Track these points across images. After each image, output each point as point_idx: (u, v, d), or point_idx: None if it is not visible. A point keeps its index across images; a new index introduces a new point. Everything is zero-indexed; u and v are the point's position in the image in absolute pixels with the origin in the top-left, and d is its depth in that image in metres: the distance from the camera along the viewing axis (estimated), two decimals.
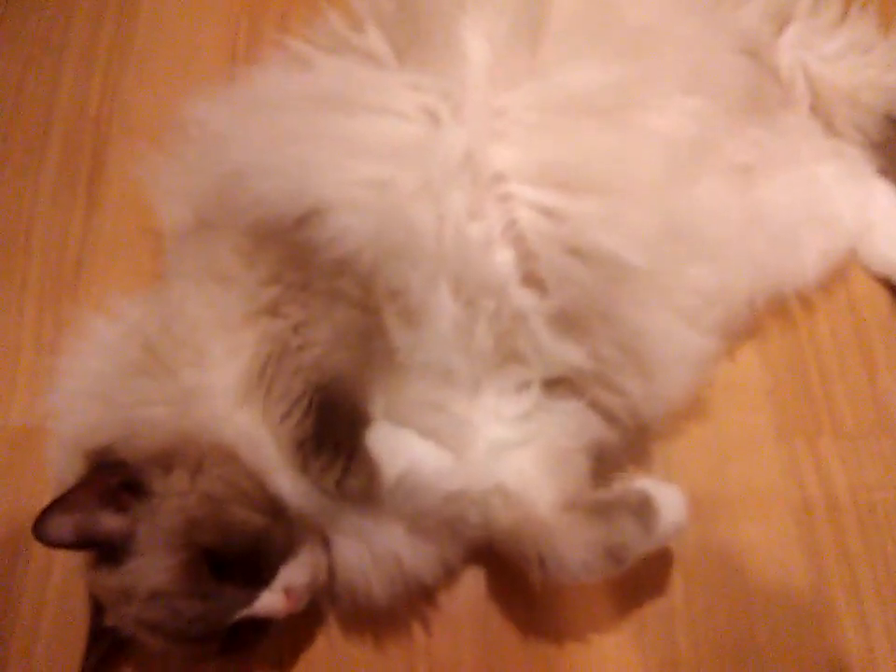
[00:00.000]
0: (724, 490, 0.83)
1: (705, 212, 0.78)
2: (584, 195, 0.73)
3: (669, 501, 0.70)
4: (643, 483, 0.72)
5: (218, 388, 0.69)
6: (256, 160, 0.74)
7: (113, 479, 0.67)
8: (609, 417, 0.76)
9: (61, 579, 0.82)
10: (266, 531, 0.68)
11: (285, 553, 0.69)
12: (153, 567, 0.66)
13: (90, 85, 1.10)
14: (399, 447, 0.70)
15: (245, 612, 0.67)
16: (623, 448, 0.79)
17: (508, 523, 0.71)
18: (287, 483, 0.69)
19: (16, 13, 1.15)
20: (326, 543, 0.72)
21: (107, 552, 0.68)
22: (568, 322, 0.74)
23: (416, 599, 0.78)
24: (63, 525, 0.65)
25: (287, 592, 0.68)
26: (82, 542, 0.67)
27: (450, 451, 0.72)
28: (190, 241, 0.78)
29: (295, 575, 0.69)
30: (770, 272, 0.83)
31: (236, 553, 0.67)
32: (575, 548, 0.69)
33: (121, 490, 0.68)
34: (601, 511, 0.70)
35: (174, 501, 0.67)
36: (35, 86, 1.11)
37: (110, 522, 0.67)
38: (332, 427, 0.69)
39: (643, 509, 0.70)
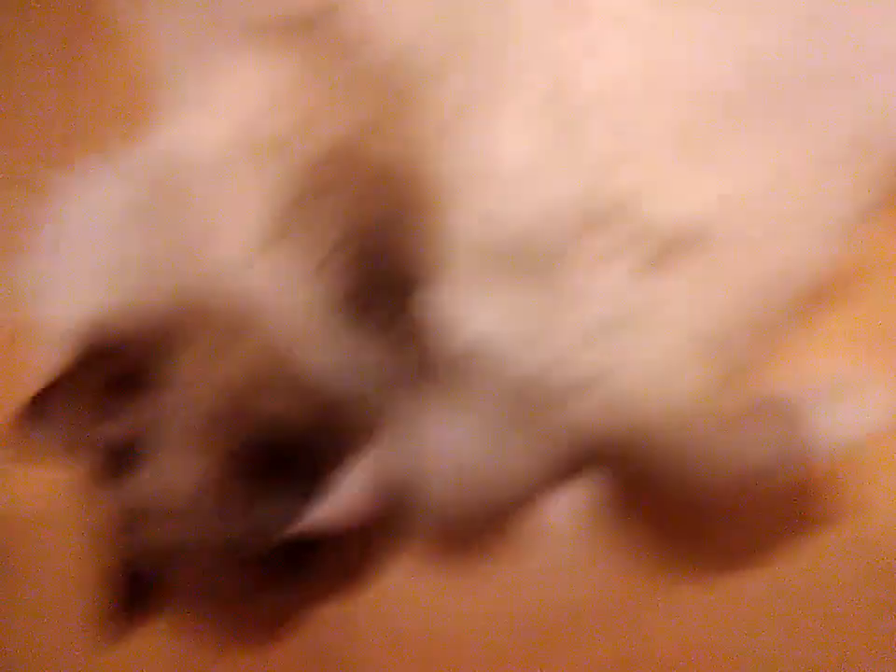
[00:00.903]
0: None
1: None
2: None
3: (839, 410, 0.53)
4: (801, 386, 0.55)
5: (236, 230, 0.56)
6: None
7: (107, 369, 0.55)
8: (743, 292, 0.59)
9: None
10: (309, 426, 0.55)
11: (339, 454, 0.56)
12: (172, 478, 0.54)
13: None
14: (466, 314, 0.56)
15: (293, 527, 0.55)
16: (764, 336, 0.62)
17: (617, 426, 0.56)
18: (326, 362, 0.55)
19: None
20: (385, 443, 0.58)
21: (111, 463, 0.55)
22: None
23: (499, 522, 0.66)
24: (46, 437, 0.54)
25: (346, 501, 0.55)
26: (76, 454, 0.55)
27: (536, 325, 0.57)
28: (193, 60, 0.64)
29: (353, 480, 0.56)
30: None
31: (275, 454, 0.55)
32: (713, 460, 0.54)
33: (120, 383, 0.55)
34: (746, 417, 0.54)
35: (187, 393, 0.55)
36: None
37: (109, 427, 0.55)
38: (381, 284, 0.56)
39: (802, 417, 0.53)
